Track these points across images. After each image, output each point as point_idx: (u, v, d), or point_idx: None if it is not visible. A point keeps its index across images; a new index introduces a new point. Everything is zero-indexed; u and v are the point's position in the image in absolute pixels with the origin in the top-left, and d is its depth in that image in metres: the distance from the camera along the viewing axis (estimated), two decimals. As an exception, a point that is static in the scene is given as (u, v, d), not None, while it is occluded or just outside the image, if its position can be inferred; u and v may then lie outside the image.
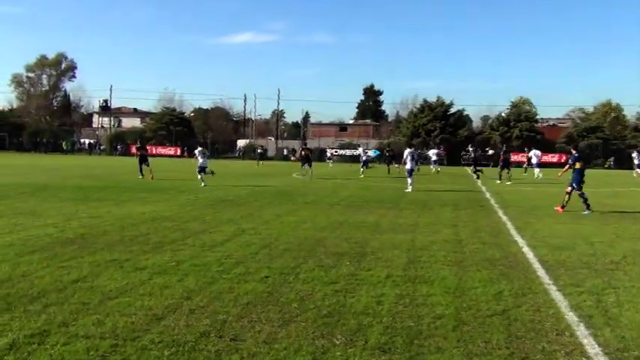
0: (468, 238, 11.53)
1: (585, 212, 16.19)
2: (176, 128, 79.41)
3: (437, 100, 75.15)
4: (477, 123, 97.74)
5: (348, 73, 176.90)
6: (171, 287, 7.15)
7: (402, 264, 8.83)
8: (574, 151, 17.36)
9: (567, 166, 17.45)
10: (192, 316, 6.10)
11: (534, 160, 38.65)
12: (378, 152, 69.38)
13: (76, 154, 76.64)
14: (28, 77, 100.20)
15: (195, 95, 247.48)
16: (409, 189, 23.32)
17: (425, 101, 76.18)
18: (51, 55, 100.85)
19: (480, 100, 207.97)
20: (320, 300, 6.77)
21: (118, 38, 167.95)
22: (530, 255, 9.80)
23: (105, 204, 15.97)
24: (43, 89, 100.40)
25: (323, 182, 28.55)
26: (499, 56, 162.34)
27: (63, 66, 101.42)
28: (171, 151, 75.74)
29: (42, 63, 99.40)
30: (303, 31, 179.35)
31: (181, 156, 74.51)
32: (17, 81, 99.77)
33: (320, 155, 72.44)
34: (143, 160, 29.33)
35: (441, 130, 70.46)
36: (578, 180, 16.84)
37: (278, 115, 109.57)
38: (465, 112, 78.89)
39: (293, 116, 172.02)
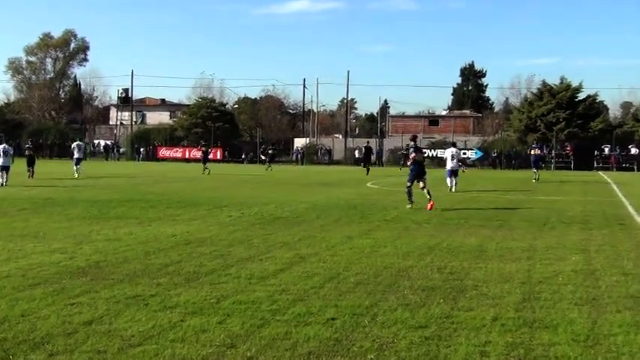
0: (604, 267, 11.27)
1: (407, 206, 20.61)
2: (215, 124, 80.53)
3: (560, 83, 73.93)
4: (614, 112, 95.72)
5: (438, 50, 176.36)
6: (210, 331, 7.23)
7: (515, 302, 8.70)
8: (412, 142, 22.18)
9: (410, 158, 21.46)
10: (236, 370, 6.15)
11: None
12: (480, 153, 68.77)
13: (89, 159, 78.63)
14: (28, 62, 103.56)
15: (239, 82, 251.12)
16: (454, 190, 28.93)
17: (544, 84, 75.09)
18: (57, 34, 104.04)
19: (620, 81, 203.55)
20: (404, 350, 6.72)
21: (139, 11, 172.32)
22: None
23: (125, 223, 16.32)
24: (48, 77, 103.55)
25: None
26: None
27: (72, 47, 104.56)
28: (210, 154, 76.85)
29: (46, 43, 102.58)
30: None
31: (223, 160, 75.64)
32: (15, 67, 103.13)
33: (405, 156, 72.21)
34: (31, 161, 35.82)
35: (567, 122, 69.16)
36: (414, 172, 20.94)
37: (347, 105, 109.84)
38: (599, 99, 77.41)
39: (367, 107, 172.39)
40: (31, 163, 35.65)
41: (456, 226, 16.78)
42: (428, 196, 20.65)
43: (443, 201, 24.10)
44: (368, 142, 59.30)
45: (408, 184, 21.01)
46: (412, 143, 22.14)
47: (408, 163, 21.71)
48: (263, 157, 55.49)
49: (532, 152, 42.72)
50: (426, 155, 21.35)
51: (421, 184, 20.99)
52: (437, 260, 11.70)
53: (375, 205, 22.23)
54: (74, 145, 40.77)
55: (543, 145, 57.18)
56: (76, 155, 39.33)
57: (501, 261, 11.75)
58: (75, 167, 38.37)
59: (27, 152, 36.50)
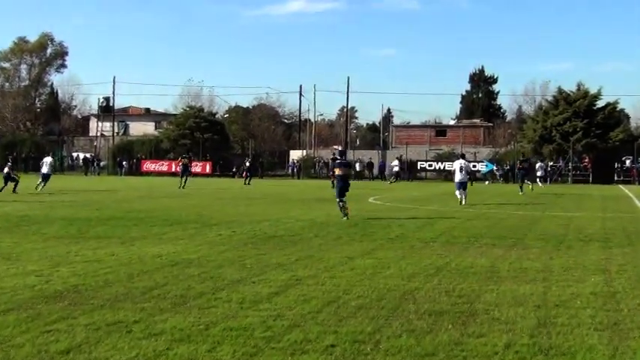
0: (625, 289, 11.24)
1: (344, 218, 22.56)
2: (204, 135, 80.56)
3: (577, 90, 74.02)
4: (636, 121, 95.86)
5: (445, 54, 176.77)
6: (198, 361, 7.21)
7: (529, 327, 8.68)
8: (339, 158, 25.07)
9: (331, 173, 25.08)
10: (227, 402, 6.13)
11: None
12: (491, 165, 68.87)
13: (67, 173, 78.66)
14: (1, 68, 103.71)
15: (230, 89, 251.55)
16: (464, 203, 30.39)
17: (560, 91, 75.17)
18: (32, 38, 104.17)
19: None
20: (409, 380, 6.70)
21: (122, 13, 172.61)
22: None
23: (106, 243, 16.29)
24: (22, 84, 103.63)
25: (413, 210, 28.44)
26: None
27: (49, 52, 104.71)
28: (198, 167, 76.68)
29: (20, 48, 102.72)
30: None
31: (213, 174, 75.60)
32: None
33: (409, 170, 72.46)
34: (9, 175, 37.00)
35: (585, 132, 69.20)
36: (340, 187, 23.24)
37: (347, 114, 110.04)
38: (620, 106, 77.42)
39: (368, 116, 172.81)
40: (7, 180, 36.59)
41: (465, 244, 16.76)
42: (345, 206, 23.06)
43: (452, 217, 24.12)
44: (334, 154, 61.02)
45: (337, 199, 23.34)
46: (339, 158, 25.15)
47: (332, 177, 24.63)
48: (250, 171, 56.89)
49: (520, 166, 46.41)
50: (350, 170, 25.95)
51: (339, 199, 23.26)
52: (445, 282, 11.68)
53: (377, 222, 22.22)
54: (43, 160, 42.78)
55: (529, 159, 59.66)
56: (43, 170, 41.36)
57: (515, 283, 11.73)
58: (39, 181, 40.34)
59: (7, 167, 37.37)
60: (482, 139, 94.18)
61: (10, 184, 36.33)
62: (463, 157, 34.27)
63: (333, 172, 24.50)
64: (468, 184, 34.01)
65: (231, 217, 23.32)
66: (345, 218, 22.60)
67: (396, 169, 66.19)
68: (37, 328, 8.38)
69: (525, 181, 44.73)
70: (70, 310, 9.29)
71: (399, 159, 69.46)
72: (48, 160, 42.56)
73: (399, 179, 65.03)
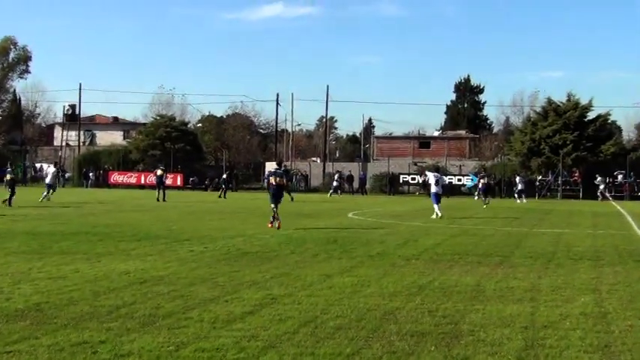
0: (617, 310, 11.29)
1: (270, 226, 25.07)
2: (175, 146, 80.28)
3: (567, 100, 74.32)
4: (629, 134, 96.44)
5: (429, 62, 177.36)
6: (168, 384, 7.19)
7: (516, 350, 8.71)
8: (280, 168, 27.69)
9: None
10: None
11: None
12: (477, 179, 69.14)
13: (30, 185, 78.22)
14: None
15: (203, 97, 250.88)
16: (434, 216, 31.81)
17: (549, 102, 75.44)
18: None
19: (634, 99, 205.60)
20: (390, 404, 6.70)
21: (89, 16, 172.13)
22: None
23: (71, 259, 16.20)
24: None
25: (395, 226, 28.46)
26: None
27: (11, 57, 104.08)
28: (168, 179, 76.05)
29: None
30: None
31: (185, 187, 75.32)
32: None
33: (392, 183, 72.52)
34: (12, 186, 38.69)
35: (575, 144, 69.43)
36: (272, 194, 25.80)
37: (327, 124, 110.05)
38: (611, 118, 77.76)
39: (349, 126, 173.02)
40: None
41: (449, 262, 16.79)
42: (276, 216, 25.41)
43: (436, 233, 24.16)
44: (285, 166, 62.15)
45: (272, 206, 25.67)
46: (278, 169, 27.40)
47: (270, 186, 26.54)
48: (227, 184, 57.67)
49: (481, 181, 50.25)
50: (284, 179, 27.61)
51: (273, 205, 25.56)
52: (428, 301, 11.69)
53: (357, 238, 22.22)
54: (46, 170, 47.05)
55: (492, 174, 62.03)
56: (47, 181, 44.49)
57: (501, 302, 11.75)
58: (49, 191, 43.17)
59: (8, 176, 39.33)
60: (467, 151, 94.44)
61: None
62: (437, 170, 36.29)
63: (269, 180, 26.77)
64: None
65: (203, 233, 23.26)
66: (269, 225, 25.21)
67: (335, 182, 68.54)
68: (-4, 348, 8.33)
69: (481, 195, 48.78)
70: (32, 330, 9.23)
71: (340, 172, 72.38)
72: (51, 170, 45.89)
73: (339, 192, 67.00)
